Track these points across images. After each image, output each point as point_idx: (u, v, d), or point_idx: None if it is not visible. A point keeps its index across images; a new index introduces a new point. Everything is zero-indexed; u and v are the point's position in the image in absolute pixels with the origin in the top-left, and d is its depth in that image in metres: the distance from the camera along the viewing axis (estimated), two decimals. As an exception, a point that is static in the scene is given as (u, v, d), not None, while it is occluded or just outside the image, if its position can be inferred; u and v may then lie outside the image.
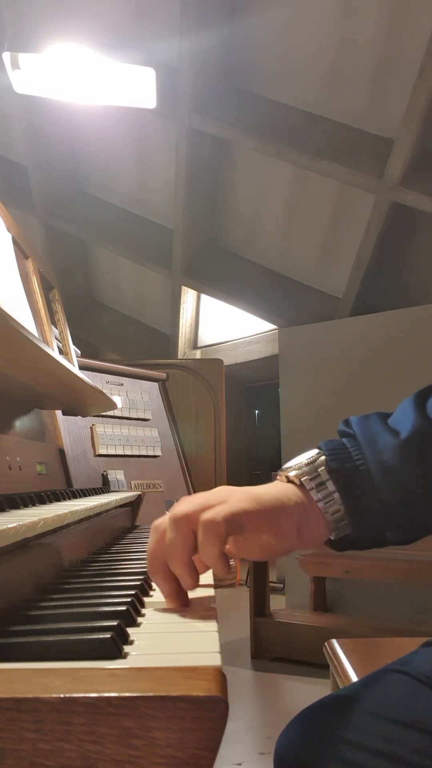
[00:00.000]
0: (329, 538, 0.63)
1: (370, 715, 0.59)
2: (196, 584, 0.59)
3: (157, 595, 0.66)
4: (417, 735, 0.56)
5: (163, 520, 0.60)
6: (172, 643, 0.48)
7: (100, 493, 1.41)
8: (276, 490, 0.62)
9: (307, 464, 0.63)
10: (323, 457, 0.63)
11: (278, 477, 0.65)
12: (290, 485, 0.63)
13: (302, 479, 0.62)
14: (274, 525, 0.59)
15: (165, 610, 0.59)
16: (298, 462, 0.64)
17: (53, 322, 1.50)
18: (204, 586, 0.63)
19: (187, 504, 0.59)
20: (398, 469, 0.62)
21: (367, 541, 0.63)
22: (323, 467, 0.62)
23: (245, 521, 0.57)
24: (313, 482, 0.61)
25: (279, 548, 0.60)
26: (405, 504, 0.62)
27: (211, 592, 0.65)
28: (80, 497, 1.17)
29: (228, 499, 0.59)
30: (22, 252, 1.36)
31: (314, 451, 0.64)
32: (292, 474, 0.63)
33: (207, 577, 0.66)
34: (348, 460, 0.63)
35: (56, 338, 1.52)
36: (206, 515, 0.56)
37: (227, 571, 0.59)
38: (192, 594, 0.61)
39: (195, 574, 0.58)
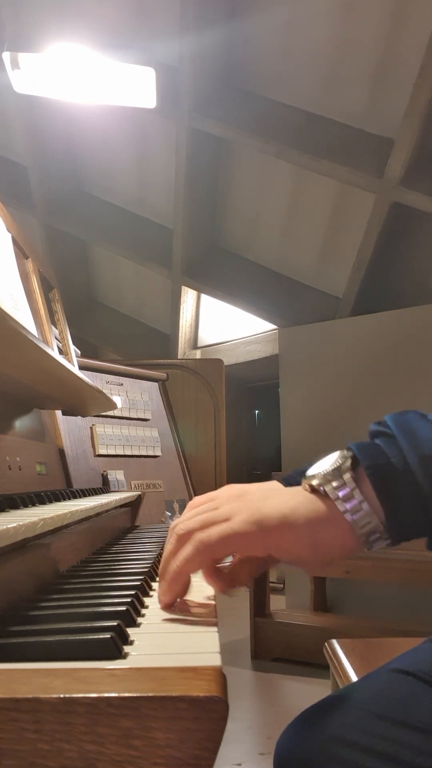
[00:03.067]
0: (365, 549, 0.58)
1: (371, 716, 0.59)
2: (168, 601, 0.60)
3: (157, 596, 0.66)
4: (418, 735, 0.55)
5: (183, 525, 0.60)
6: (172, 643, 0.48)
7: (100, 494, 1.41)
8: (286, 505, 0.57)
9: (332, 469, 0.57)
10: (349, 461, 0.57)
11: (303, 485, 0.59)
12: (308, 497, 0.58)
13: (325, 488, 0.57)
14: (280, 546, 0.57)
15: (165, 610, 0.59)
16: (322, 467, 0.58)
17: (53, 322, 1.50)
18: (203, 605, 0.64)
19: (191, 522, 0.59)
20: None
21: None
22: (348, 473, 0.56)
23: (240, 545, 0.57)
24: (338, 491, 0.56)
25: (287, 563, 0.59)
26: None
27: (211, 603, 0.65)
28: (80, 497, 1.17)
29: (232, 516, 0.58)
30: (22, 252, 1.36)
31: (341, 453, 0.59)
32: (314, 482, 0.58)
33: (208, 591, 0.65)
34: (381, 457, 0.56)
35: (56, 338, 1.52)
36: (200, 535, 0.57)
37: (222, 588, 0.60)
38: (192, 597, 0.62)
39: (173, 593, 0.60)
